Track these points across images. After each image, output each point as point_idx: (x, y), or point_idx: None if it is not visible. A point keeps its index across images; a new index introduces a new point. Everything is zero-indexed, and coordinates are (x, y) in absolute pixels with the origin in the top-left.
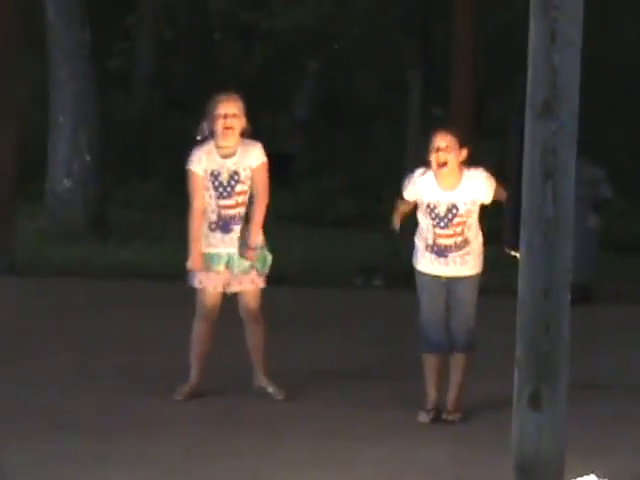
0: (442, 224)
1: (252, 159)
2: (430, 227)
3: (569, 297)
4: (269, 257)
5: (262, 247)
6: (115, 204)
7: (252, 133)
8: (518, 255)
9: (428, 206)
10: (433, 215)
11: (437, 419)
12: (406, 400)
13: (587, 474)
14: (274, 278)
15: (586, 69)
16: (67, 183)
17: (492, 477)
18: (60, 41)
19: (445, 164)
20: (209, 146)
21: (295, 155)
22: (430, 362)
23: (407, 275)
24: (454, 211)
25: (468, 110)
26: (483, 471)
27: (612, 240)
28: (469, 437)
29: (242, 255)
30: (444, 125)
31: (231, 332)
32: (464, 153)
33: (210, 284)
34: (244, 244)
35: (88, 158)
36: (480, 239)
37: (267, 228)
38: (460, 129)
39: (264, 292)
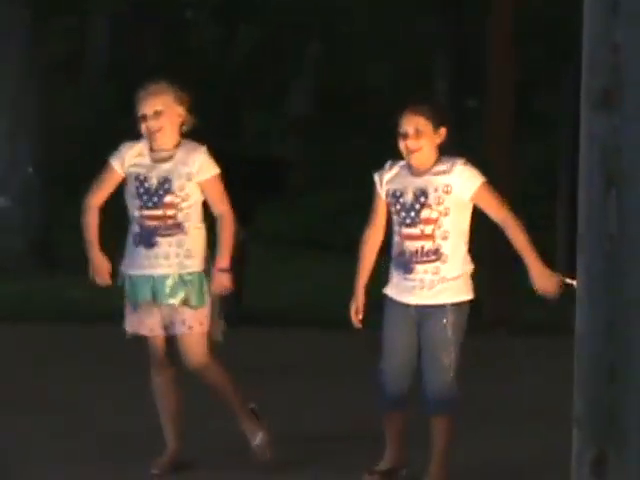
0: (408, 220)
1: (195, 169)
2: (397, 228)
3: None
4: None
5: (204, 276)
6: (63, 227)
7: (198, 129)
8: (575, 283)
9: (394, 195)
10: (399, 207)
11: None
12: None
13: None
14: (274, 317)
15: None
16: (3, 202)
17: None
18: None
19: (416, 151)
20: (142, 145)
21: (292, 162)
22: (388, 420)
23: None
24: (422, 199)
25: (508, 102)
26: None
27: None
28: None
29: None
30: (417, 102)
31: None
32: (442, 133)
33: (143, 327)
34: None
35: (30, 170)
36: (464, 249)
37: (254, 253)
38: (501, 125)
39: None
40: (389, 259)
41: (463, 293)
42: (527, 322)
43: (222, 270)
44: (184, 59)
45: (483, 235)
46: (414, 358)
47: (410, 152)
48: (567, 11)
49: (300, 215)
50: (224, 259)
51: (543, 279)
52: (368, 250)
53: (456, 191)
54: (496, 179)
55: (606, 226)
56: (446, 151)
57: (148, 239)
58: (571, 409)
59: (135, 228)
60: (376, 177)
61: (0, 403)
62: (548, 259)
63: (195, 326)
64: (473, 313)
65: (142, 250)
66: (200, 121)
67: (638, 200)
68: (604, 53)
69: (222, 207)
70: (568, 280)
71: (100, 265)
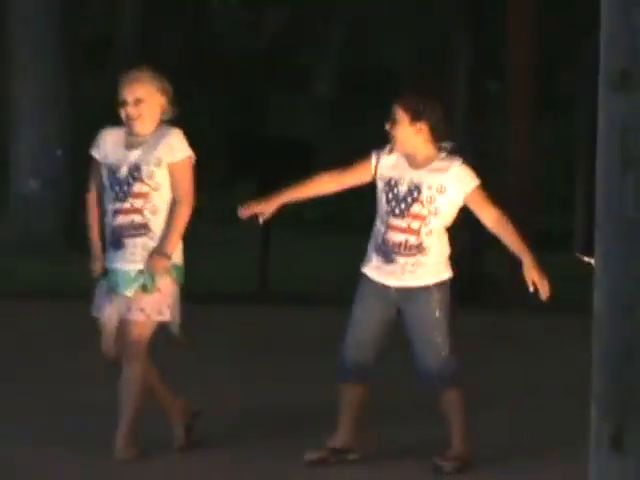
0: (397, 210)
1: (165, 152)
2: (384, 216)
3: None
4: (176, 277)
5: (174, 264)
6: None
7: (176, 119)
8: (593, 262)
9: (389, 183)
10: (391, 196)
11: (325, 462)
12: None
13: None
14: (305, 299)
15: None
16: (34, 184)
17: None
18: (21, 9)
19: (393, 139)
20: (119, 131)
21: (314, 144)
22: (345, 393)
23: (467, 291)
24: (415, 194)
25: (527, 82)
26: None
27: None
28: None
29: (147, 268)
30: (415, 100)
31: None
32: (421, 127)
33: (103, 311)
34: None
35: (59, 152)
36: (445, 250)
37: (287, 236)
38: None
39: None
40: (368, 238)
41: (443, 272)
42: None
43: (163, 254)
44: (211, 44)
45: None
46: (381, 337)
47: (390, 138)
48: None
49: (326, 197)
50: (169, 244)
51: (536, 274)
52: (323, 182)
53: (450, 192)
54: (516, 164)
55: (624, 208)
56: (458, 139)
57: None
58: (589, 386)
59: (107, 228)
60: (374, 156)
61: (34, 380)
62: (569, 239)
63: (151, 314)
64: (495, 291)
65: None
66: (228, 104)
67: None
68: (623, 31)
69: (183, 191)
70: (587, 259)
71: (96, 257)
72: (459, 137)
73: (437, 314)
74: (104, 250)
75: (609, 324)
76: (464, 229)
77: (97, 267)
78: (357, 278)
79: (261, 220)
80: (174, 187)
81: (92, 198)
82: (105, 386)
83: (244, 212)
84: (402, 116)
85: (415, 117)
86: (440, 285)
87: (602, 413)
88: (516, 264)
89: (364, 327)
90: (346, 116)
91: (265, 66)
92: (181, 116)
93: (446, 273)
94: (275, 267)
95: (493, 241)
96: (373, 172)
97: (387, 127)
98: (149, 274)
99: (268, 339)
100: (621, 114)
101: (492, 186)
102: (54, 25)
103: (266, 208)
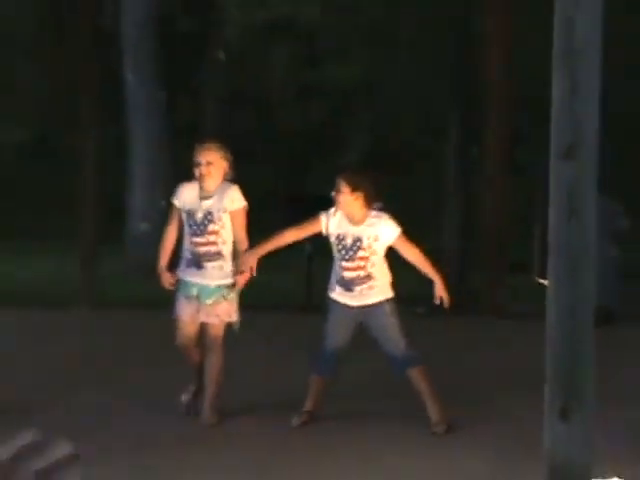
0: (347, 257)
1: (228, 202)
2: (339, 261)
3: (592, 319)
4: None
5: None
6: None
7: (235, 178)
8: (546, 283)
9: (338, 237)
10: (341, 247)
11: (308, 423)
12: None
13: (611, 477)
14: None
15: (604, 114)
16: (144, 227)
17: None
18: (137, 99)
19: (339, 204)
20: (194, 185)
21: None
22: (315, 383)
23: (453, 302)
24: (358, 244)
25: (499, 153)
26: (514, 476)
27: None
28: (496, 445)
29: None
30: (352, 175)
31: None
32: (358, 195)
33: (182, 312)
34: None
35: (163, 203)
36: (387, 278)
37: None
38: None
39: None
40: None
41: (388, 291)
42: (514, 311)
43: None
44: (273, 125)
45: (487, 248)
46: (347, 343)
47: (335, 203)
48: (546, 88)
49: None
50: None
51: (442, 291)
52: (286, 236)
53: (382, 239)
54: (491, 212)
55: (569, 244)
56: (447, 194)
57: (197, 263)
58: (543, 374)
59: (187, 253)
60: (324, 217)
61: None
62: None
63: (225, 317)
64: (471, 302)
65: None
66: (276, 168)
67: (591, 225)
68: (567, 120)
69: (240, 235)
70: (542, 281)
71: (164, 274)
72: (451, 187)
73: (391, 320)
74: (171, 268)
75: (558, 327)
76: (453, 261)
77: (165, 282)
78: None
79: (255, 273)
80: (234, 229)
81: (170, 232)
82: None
83: (242, 278)
84: (344, 187)
85: (354, 188)
86: (389, 299)
87: (552, 392)
88: (493, 284)
89: (336, 336)
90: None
91: (312, 139)
92: (243, 176)
93: (390, 292)
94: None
95: (476, 268)
96: (324, 229)
97: (333, 195)
98: (226, 288)
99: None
100: (566, 177)
101: (475, 224)
102: (159, 113)
103: (251, 264)
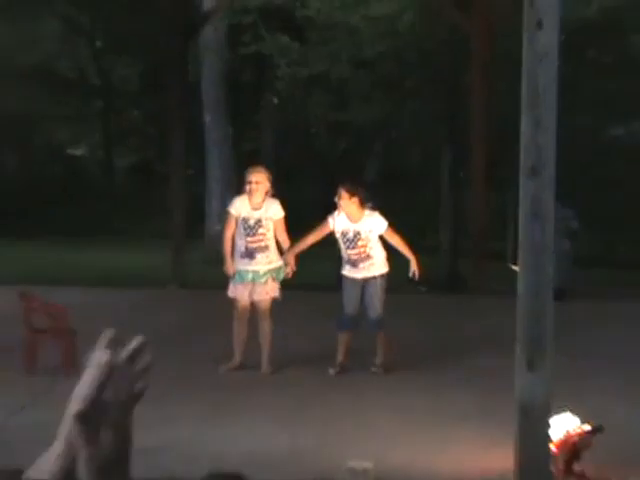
0: (351, 246)
1: (272, 213)
2: (344, 250)
3: (551, 295)
4: (282, 273)
5: (280, 266)
6: None
7: (275, 193)
8: (517, 269)
9: (342, 233)
10: (345, 239)
11: (341, 373)
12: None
13: (564, 412)
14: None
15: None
16: (219, 227)
17: (505, 416)
18: (212, 135)
19: (342, 207)
20: (244, 197)
21: None
22: (342, 337)
23: (447, 283)
24: (358, 236)
25: (480, 173)
26: (494, 411)
27: (583, 257)
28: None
29: (280, 267)
30: (350, 185)
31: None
32: (355, 200)
33: (239, 294)
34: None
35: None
36: (383, 254)
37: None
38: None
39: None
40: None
41: (384, 268)
42: (493, 290)
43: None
44: (309, 152)
45: (473, 243)
46: (357, 305)
47: (338, 206)
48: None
49: None
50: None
51: (416, 268)
52: (308, 240)
53: (374, 230)
54: (475, 217)
55: (534, 239)
56: (442, 205)
57: (251, 254)
58: (515, 336)
59: (242, 248)
60: (330, 219)
61: None
62: (501, 257)
63: (272, 294)
64: (460, 283)
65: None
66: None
67: (550, 225)
68: (533, 148)
69: (283, 237)
70: (514, 267)
71: (230, 267)
72: (445, 199)
73: (379, 292)
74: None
75: (525, 302)
76: (447, 253)
77: (230, 271)
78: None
79: (295, 267)
80: (278, 232)
81: (229, 233)
82: None
83: (289, 270)
84: (344, 194)
85: (351, 195)
86: (383, 275)
87: (521, 350)
88: (477, 270)
89: (351, 301)
90: (385, 196)
91: (340, 163)
92: (290, 187)
93: (385, 268)
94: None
95: (464, 258)
96: (332, 228)
97: (336, 199)
98: (277, 271)
99: None
100: (532, 190)
101: (463, 226)
102: (228, 144)
103: (291, 260)
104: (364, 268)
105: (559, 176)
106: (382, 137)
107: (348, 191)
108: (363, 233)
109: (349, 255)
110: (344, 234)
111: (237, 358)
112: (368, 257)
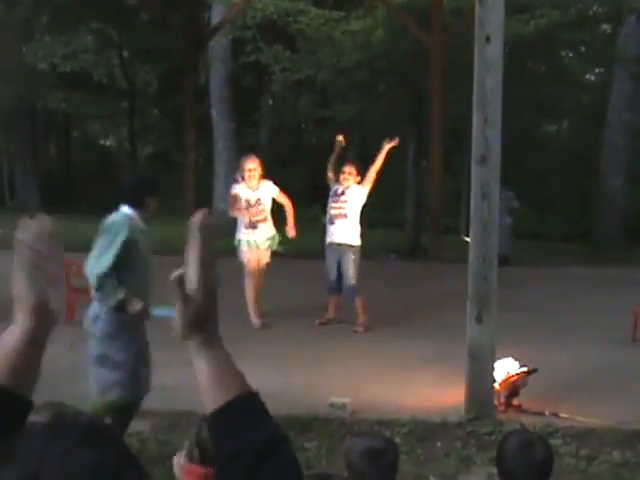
0: (336, 200)
1: (270, 191)
2: (330, 209)
3: (496, 262)
4: (277, 240)
5: (274, 235)
6: None
7: (266, 176)
8: (469, 240)
9: (335, 192)
10: (336, 197)
11: (326, 324)
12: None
13: (507, 358)
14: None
15: (505, 135)
16: (224, 205)
17: (458, 361)
18: (219, 129)
19: (346, 180)
20: (243, 184)
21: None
22: (331, 300)
23: (411, 252)
24: (342, 197)
25: (439, 161)
26: (449, 357)
27: (522, 231)
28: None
29: (287, 234)
30: (354, 164)
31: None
32: (358, 179)
33: (248, 257)
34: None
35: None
36: (357, 231)
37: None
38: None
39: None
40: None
41: (357, 241)
42: (449, 258)
43: (291, 228)
44: (301, 144)
45: (432, 218)
46: (337, 272)
47: (345, 180)
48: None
49: None
50: (292, 222)
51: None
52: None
53: (357, 195)
54: (434, 197)
55: (482, 215)
56: (408, 187)
57: (254, 226)
58: (466, 295)
59: (247, 222)
60: (332, 185)
61: None
62: (457, 231)
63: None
64: (422, 252)
65: (251, 230)
66: (302, 170)
67: (495, 204)
68: (481, 140)
69: (284, 200)
70: (466, 239)
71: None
72: (410, 183)
73: (353, 263)
74: (232, 232)
75: (475, 267)
76: (412, 226)
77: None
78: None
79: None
80: (280, 199)
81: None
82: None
83: (292, 233)
84: (353, 170)
85: (357, 172)
86: (355, 247)
87: (472, 306)
88: (436, 241)
89: (331, 269)
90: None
91: (324, 153)
92: (284, 175)
93: (358, 241)
94: None
95: (426, 231)
96: (331, 185)
97: (343, 176)
98: (275, 239)
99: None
100: (481, 175)
101: (425, 204)
102: (231, 137)
103: (292, 226)
104: (339, 229)
105: (503, 164)
106: (358, 131)
107: (356, 168)
108: (348, 196)
109: (331, 209)
110: (336, 192)
111: (256, 313)
112: (345, 217)
